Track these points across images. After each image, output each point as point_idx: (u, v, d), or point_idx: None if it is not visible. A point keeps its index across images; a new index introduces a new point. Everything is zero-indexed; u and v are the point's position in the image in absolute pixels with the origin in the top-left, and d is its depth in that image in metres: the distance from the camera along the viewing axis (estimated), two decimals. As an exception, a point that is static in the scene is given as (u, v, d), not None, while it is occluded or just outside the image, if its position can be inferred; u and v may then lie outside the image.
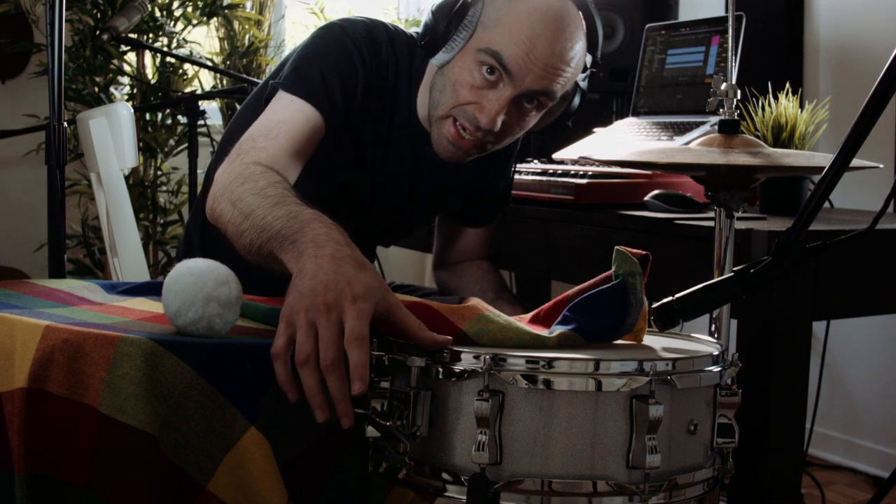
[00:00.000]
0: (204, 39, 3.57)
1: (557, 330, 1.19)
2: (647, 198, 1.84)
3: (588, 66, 1.61)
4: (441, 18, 1.53)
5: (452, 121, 1.55)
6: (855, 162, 1.18)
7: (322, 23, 3.74)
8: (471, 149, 1.57)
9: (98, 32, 2.86)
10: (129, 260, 2.07)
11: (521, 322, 1.22)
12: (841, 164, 1.14)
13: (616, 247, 1.22)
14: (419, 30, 1.59)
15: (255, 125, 1.50)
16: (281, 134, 1.46)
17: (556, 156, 2.19)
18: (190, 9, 3.33)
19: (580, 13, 1.56)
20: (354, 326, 1.04)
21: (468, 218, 1.89)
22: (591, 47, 1.59)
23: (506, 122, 1.54)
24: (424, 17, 1.58)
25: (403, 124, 1.65)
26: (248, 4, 3.57)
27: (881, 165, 1.41)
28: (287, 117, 1.50)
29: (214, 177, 1.41)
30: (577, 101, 1.63)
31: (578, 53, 1.54)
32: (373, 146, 1.65)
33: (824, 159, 1.33)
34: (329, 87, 1.53)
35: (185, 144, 3.15)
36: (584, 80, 1.61)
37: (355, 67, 1.57)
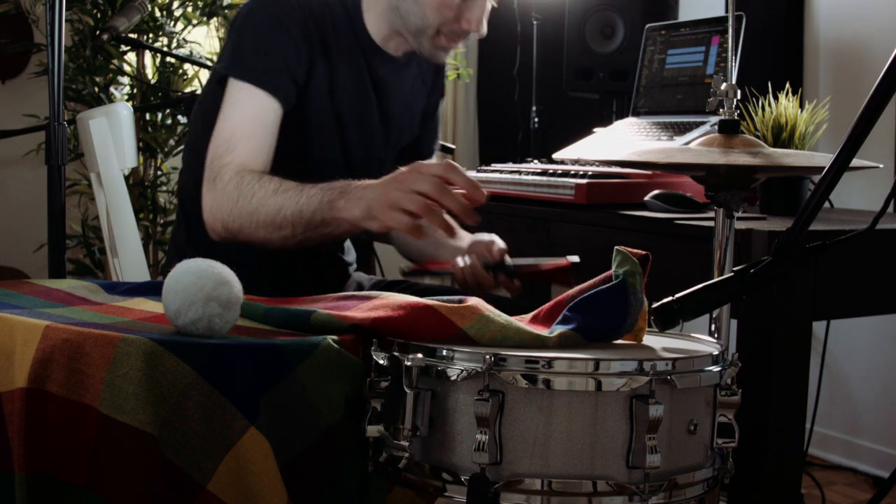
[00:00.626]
0: (204, 39, 3.57)
1: (558, 330, 1.19)
2: (647, 198, 1.84)
3: None
4: None
5: (444, 36, 1.68)
6: (855, 162, 1.18)
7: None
8: (456, 46, 1.74)
9: (98, 32, 2.85)
10: (129, 260, 2.06)
11: (522, 322, 1.22)
12: (841, 164, 1.14)
13: (616, 247, 1.22)
14: None
15: (217, 131, 1.61)
16: (239, 142, 1.58)
17: (556, 156, 2.19)
18: (190, 9, 3.33)
19: None
20: (433, 173, 1.38)
21: (418, 149, 1.94)
22: None
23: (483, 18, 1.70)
24: None
25: (354, 50, 1.73)
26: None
27: (881, 165, 1.41)
28: (245, 117, 1.60)
29: (204, 204, 1.58)
30: None
31: None
32: (333, 80, 1.71)
33: (824, 159, 1.33)
34: (276, 67, 1.61)
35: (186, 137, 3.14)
36: None
37: (291, 32, 1.63)
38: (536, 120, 3.35)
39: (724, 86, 1.36)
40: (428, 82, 1.91)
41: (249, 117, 1.60)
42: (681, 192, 1.85)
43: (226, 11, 3.36)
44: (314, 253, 1.70)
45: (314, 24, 1.67)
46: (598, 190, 1.92)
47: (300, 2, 1.66)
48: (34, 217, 2.71)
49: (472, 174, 2.30)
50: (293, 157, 1.68)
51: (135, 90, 3.30)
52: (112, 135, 2.07)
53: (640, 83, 2.46)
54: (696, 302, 1.18)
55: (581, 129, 2.49)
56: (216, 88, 1.68)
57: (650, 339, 1.29)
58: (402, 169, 1.42)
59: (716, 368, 1.13)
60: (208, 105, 1.69)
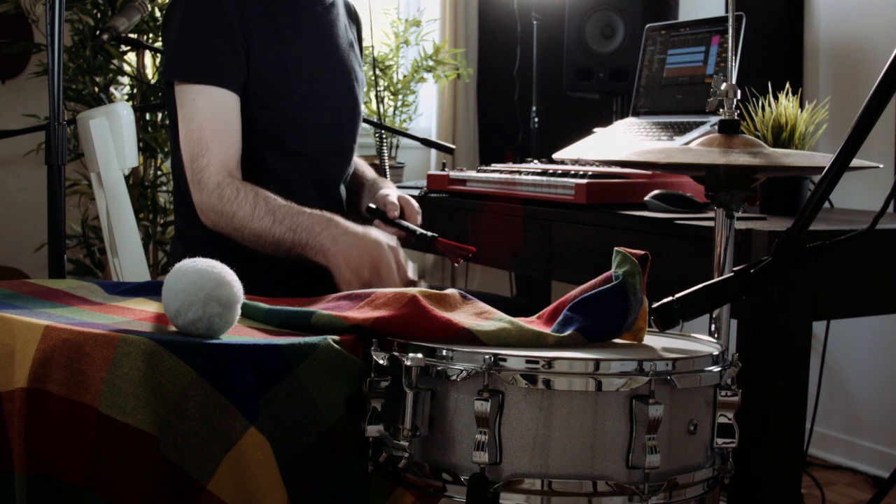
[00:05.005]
0: (204, 39, 3.57)
1: (559, 332, 1.19)
2: (646, 198, 1.84)
3: None
4: None
5: None
6: (855, 162, 1.18)
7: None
8: None
9: (98, 32, 2.85)
10: (129, 260, 2.06)
11: (523, 321, 1.22)
12: (841, 164, 1.14)
13: (616, 247, 1.22)
14: None
15: (185, 134, 1.64)
16: (209, 142, 1.62)
17: (556, 156, 2.19)
18: (190, 9, 3.32)
19: None
20: (394, 276, 1.51)
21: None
22: None
23: None
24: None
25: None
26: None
27: (881, 165, 1.41)
28: (206, 116, 1.62)
29: (195, 203, 1.63)
30: None
31: None
32: (283, 36, 1.72)
33: (824, 159, 1.33)
34: (218, 58, 1.63)
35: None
36: None
37: (223, 12, 1.64)
38: (536, 120, 3.35)
39: (724, 86, 1.35)
40: (349, 20, 1.93)
41: (210, 115, 1.62)
42: (681, 192, 1.85)
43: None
44: None
45: None
46: (598, 190, 1.92)
47: None
48: (34, 217, 2.71)
49: (472, 174, 2.31)
50: (268, 120, 1.71)
51: (135, 90, 3.30)
52: (112, 135, 2.06)
53: (640, 83, 2.46)
54: (696, 302, 1.18)
55: (581, 129, 2.49)
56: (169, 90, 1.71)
57: (650, 339, 1.29)
58: (377, 255, 1.51)
59: (716, 368, 1.13)
60: (172, 105, 1.73)
